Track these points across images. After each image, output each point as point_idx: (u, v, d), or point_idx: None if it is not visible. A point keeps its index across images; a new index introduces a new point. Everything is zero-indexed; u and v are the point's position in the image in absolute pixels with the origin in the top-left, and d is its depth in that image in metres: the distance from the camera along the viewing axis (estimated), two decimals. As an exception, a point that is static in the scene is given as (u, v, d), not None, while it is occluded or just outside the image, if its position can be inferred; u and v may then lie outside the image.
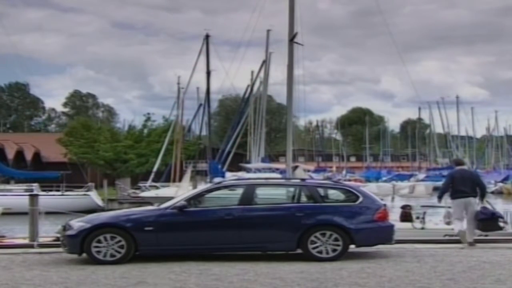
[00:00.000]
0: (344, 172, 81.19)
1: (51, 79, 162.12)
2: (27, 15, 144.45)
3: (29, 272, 10.53)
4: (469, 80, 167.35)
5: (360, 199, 12.19)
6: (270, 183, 14.56)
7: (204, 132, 60.18)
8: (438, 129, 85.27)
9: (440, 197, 14.94)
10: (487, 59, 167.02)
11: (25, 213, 15.36)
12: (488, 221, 14.48)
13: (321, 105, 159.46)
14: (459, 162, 16.15)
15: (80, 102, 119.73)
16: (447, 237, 15.09)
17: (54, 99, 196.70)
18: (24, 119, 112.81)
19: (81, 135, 60.39)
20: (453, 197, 14.50)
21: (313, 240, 11.67)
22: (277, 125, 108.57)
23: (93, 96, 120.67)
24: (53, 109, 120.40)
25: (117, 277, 10.05)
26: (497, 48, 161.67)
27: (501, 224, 14.99)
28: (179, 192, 28.79)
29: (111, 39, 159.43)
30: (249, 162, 53.88)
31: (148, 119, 64.41)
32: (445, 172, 50.00)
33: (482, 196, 14.70)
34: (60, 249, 12.20)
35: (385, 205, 12.74)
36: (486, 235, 15.45)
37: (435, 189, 23.48)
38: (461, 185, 14.31)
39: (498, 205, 23.98)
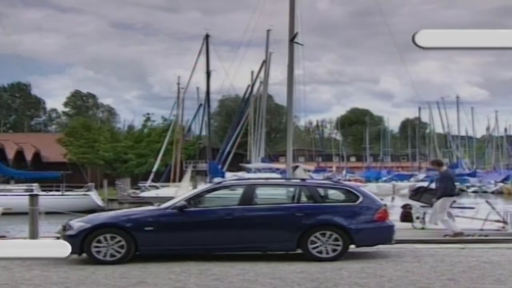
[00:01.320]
0: (344, 172, 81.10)
1: (50, 79, 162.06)
2: (26, 15, 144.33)
3: (29, 272, 10.52)
4: (469, 80, 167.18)
5: (360, 199, 12.18)
6: (270, 183, 14.58)
7: (204, 132, 60.24)
8: (438, 129, 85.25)
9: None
10: (487, 59, 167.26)
11: (25, 213, 15.34)
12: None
13: (321, 105, 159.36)
14: (442, 163, 17.09)
15: (81, 102, 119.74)
16: (447, 237, 15.13)
17: (54, 99, 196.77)
18: (24, 119, 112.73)
19: (81, 135, 60.40)
20: (449, 195, 15.36)
21: (313, 240, 11.65)
22: (277, 125, 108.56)
23: (93, 96, 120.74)
24: (55, 110, 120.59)
25: (117, 277, 10.05)
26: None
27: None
28: (179, 192, 28.75)
29: (111, 39, 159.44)
30: (249, 162, 53.90)
31: (147, 119, 64.48)
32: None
33: None
34: (60, 249, 12.18)
35: (385, 205, 12.75)
36: (486, 235, 15.48)
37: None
38: (452, 184, 15.44)
39: (498, 205, 23.92)
